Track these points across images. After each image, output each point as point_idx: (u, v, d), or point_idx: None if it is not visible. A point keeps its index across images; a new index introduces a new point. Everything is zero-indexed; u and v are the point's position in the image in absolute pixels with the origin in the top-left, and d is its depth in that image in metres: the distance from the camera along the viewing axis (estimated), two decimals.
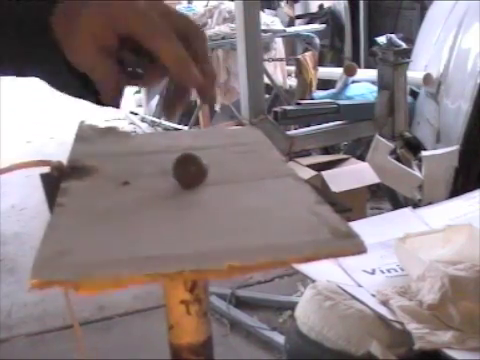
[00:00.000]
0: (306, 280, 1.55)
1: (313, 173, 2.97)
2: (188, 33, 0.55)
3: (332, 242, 0.48)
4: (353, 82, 3.68)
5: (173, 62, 0.53)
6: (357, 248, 0.48)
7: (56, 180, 0.65)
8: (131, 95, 5.89)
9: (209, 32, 4.45)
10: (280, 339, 2.18)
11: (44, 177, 0.66)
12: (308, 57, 3.84)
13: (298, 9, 5.65)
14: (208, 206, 0.56)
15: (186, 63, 0.53)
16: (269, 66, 4.19)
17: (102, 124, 0.75)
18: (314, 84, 3.82)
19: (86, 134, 0.72)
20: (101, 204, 0.56)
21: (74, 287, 0.42)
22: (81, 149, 0.68)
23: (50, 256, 0.45)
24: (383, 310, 1.29)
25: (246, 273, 0.45)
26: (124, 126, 5.48)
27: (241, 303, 2.62)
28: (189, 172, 0.59)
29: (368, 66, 4.23)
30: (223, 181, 0.61)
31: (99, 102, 0.62)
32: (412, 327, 1.22)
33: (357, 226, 1.57)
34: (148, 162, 0.66)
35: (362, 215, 2.58)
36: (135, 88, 5.72)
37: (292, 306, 1.58)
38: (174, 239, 0.49)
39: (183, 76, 0.54)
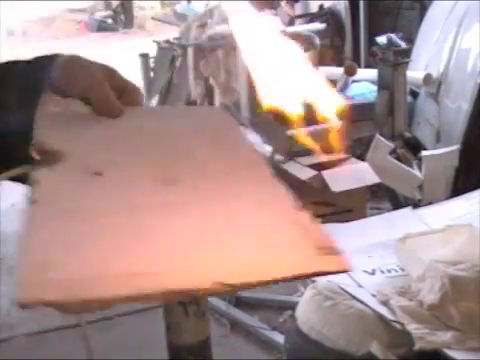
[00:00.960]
0: (306, 280, 1.55)
1: (313, 173, 2.97)
2: (124, 87, 0.78)
3: (317, 260, 0.47)
4: (353, 82, 3.68)
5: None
6: (342, 266, 0.47)
7: None
8: None
9: (209, 32, 4.45)
10: (280, 339, 2.18)
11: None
12: (308, 57, 3.83)
13: (298, 9, 5.65)
14: (187, 212, 0.53)
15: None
16: None
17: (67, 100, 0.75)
18: None
19: (49, 110, 0.71)
20: (76, 202, 0.53)
21: (62, 308, 0.42)
22: (45, 128, 0.66)
23: (34, 270, 0.44)
24: (383, 310, 1.28)
25: (231, 292, 0.45)
26: None
27: (241, 303, 2.62)
28: None
29: (368, 66, 4.23)
30: (197, 176, 0.59)
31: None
32: (412, 327, 1.22)
33: (357, 226, 1.57)
34: (118, 148, 0.65)
35: (362, 215, 2.58)
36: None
37: (292, 306, 1.58)
38: (157, 253, 0.47)
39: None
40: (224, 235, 0.50)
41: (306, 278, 0.46)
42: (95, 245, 0.48)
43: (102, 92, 0.73)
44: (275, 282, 0.45)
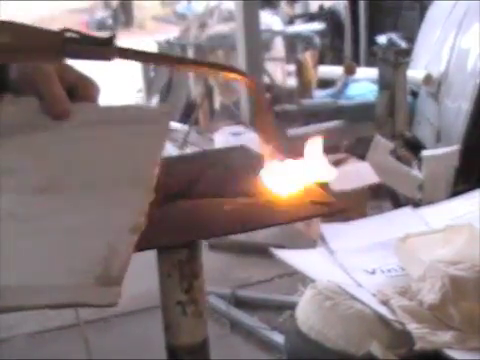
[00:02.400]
0: (306, 280, 1.54)
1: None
2: (77, 82, 0.77)
3: (90, 291, 0.48)
4: (353, 82, 3.68)
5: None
6: (109, 300, 0.48)
7: None
8: (133, 93, 5.89)
9: (209, 32, 4.46)
10: (280, 339, 2.18)
11: None
12: (308, 56, 3.84)
13: (298, 8, 5.65)
14: (30, 223, 0.56)
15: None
16: (269, 65, 4.19)
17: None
18: (314, 84, 3.82)
19: (7, 109, 0.72)
20: None
21: None
22: None
23: None
24: (383, 310, 1.28)
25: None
26: None
27: (241, 303, 2.61)
28: None
29: (368, 65, 4.23)
30: (75, 186, 0.62)
31: None
32: (412, 327, 1.22)
33: (357, 226, 1.56)
34: (25, 154, 0.66)
35: (362, 215, 2.58)
36: (137, 86, 5.72)
37: (292, 306, 1.58)
38: None
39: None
40: (26, 255, 0.52)
41: (71, 307, 0.48)
42: None
43: (50, 89, 0.72)
44: (37, 308, 0.48)
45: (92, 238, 0.55)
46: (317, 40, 4.57)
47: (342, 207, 0.62)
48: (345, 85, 3.61)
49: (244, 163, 0.75)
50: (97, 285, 0.48)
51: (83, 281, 0.49)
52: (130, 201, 0.60)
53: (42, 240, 0.54)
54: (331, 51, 4.99)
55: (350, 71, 3.55)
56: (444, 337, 1.21)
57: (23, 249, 0.53)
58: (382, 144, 2.72)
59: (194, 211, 0.63)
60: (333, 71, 4.02)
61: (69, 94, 0.75)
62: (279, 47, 4.62)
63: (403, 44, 3.18)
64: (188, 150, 4.03)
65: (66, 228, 0.56)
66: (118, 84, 6.90)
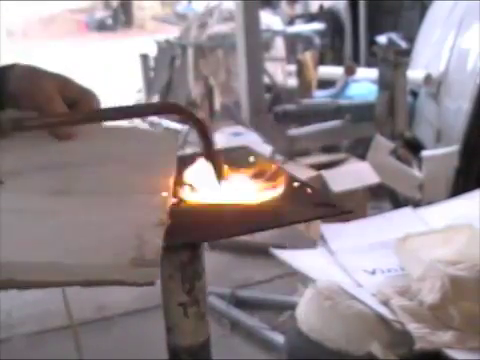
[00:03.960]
0: (306, 280, 1.54)
1: (313, 173, 2.97)
2: (78, 97, 0.77)
3: (128, 269, 0.49)
4: (353, 82, 3.68)
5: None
6: (146, 278, 0.49)
7: None
8: (133, 94, 5.88)
9: (209, 32, 4.46)
10: (280, 339, 2.18)
11: None
12: (308, 57, 3.84)
13: (298, 9, 5.65)
14: (55, 216, 0.58)
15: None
16: (269, 66, 4.19)
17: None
18: (314, 84, 3.82)
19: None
20: None
21: None
22: None
23: None
24: (383, 310, 1.28)
25: (29, 288, 0.49)
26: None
27: (241, 303, 2.61)
28: None
29: (368, 66, 4.23)
30: (90, 192, 0.63)
31: None
32: (412, 327, 1.22)
33: (357, 226, 1.57)
34: (36, 160, 0.68)
35: (362, 215, 2.58)
36: (137, 86, 5.72)
37: (292, 306, 1.58)
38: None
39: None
40: (62, 238, 0.54)
41: (108, 285, 0.49)
42: None
43: (51, 107, 0.73)
44: (74, 284, 0.49)
45: (119, 231, 0.56)
46: (317, 40, 4.57)
47: (346, 209, 0.62)
48: (345, 85, 3.61)
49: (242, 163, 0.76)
50: (133, 266, 0.49)
51: (118, 261, 0.50)
52: (150, 203, 0.62)
53: (69, 230, 0.55)
54: (331, 51, 4.99)
55: (350, 71, 3.55)
56: (444, 337, 1.21)
57: (51, 234, 0.54)
58: (382, 144, 2.72)
59: (197, 213, 0.63)
60: (333, 71, 4.02)
61: (71, 108, 0.76)
62: (279, 47, 4.62)
63: (403, 44, 3.18)
64: (188, 150, 4.03)
65: (92, 222, 0.57)
66: (118, 84, 6.90)
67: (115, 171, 0.69)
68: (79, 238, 0.54)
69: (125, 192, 0.64)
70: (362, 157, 3.14)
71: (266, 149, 3.02)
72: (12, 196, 0.60)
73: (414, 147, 3.06)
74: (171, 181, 0.67)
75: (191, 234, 0.60)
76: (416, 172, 2.83)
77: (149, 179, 0.67)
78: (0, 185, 0.62)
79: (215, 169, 0.66)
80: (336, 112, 3.21)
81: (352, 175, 3.03)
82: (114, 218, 0.59)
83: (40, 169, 0.67)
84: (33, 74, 0.76)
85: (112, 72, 7.66)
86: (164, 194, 0.64)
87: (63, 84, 0.76)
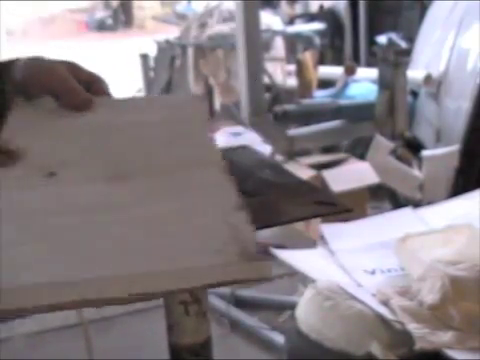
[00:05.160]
0: (306, 280, 1.54)
1: (313, 173, 2.97)
2: (90, 79, 0.77)
3: (239, 267, 0.47)
4: (353, 82, 3.68)
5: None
6: (263, 274, 0.47)
7: None
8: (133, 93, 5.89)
9: (209, 32, 4.46)
10: (280, 339, 2.18)
11: None
12: (308, 57, 3.84)
13: (298, 8, 5.65)
14: (125, 211, 0.54)
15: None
16: (269, 66, 4.19)
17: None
18: (314, 84, 3.82)
19: (20, 111, 0.71)
20: (23, 207, 0.55)
21: None
22: (13, 127, 0.67)
23: None
24: (383, 310, 1.28)
25: (147, 300, 0.45)
26: None
27: (241, 303, 2.61)
28: None
29: (368, 65, 4.23)
30: (146, 172, 0.60)
31: None
32: (412, 327, 1.22)
33: (357, 226, 1.56)
34: (78, 144, 0.65)
35: (362, 215, 2.58)
36: (137, 86, 5.72)
37: (292, 306, 1.58)
38: (79, 261, 0.47)
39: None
40: (151, 241, 0.50)
41: (226, 285, 0.47)
42: (27, 251, 0.48)
43: (67, 84, 0.72)
44: (194, 289, 0.46)
45: (200, 220, 0.52)
46: (317, 40, 4.57)
47: (348, 207, 0.61)
48: (345, 85, 3.61)
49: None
50: (244, 261, 0.47)
51: (228, 259, 0.47)
52: (211, 181, 0.58)
53: (143, 227, 0.52)
54: (331, 51, 4.99)
55: (350, 71, 3.55)
56: (444, 337, 1.21)
57: (129, 237, 0.50)
58: (382, 144, 2.72)
59: None
60: (333, 71, 4.02)
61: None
62: (279, 47, 4.62)
63: (403, 44, 3.18)
64: None
65: (162, 214, 0.53)
66: (118, 84, 6.90)
67: (157, 143, 0.65)
68: (166, 240, 0.50)
69: (180, 168, 0.60)
70: (362, 157, 3.14)
71: (266, 149, 3.02)
72: (71, 191, 0.57)
73: (414, 147, 3.07)
74: (218, 148, 0.64)
75: None
76: (416, 172, 2.83)
77: (197, 149, 0.64)
78: (53, 177, 0.59)
79: None
80: (336, 112, 3.21)
81: (352, 175, 3.03)
82: (183, 204, 0.54)
83: (82, 152, 0.64)
84: (41, 61, 0.75)
85: (112, 72, 7.66)
86: (221, 164, 0.60)
87: (72, 67, 0.75)
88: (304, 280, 1.81)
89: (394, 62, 3.00)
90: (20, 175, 0.59)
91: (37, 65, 0.74)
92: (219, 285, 0.46)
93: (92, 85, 0.75)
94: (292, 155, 3.13)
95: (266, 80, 3.93)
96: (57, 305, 0.44)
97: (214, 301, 2.54)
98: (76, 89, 0.72)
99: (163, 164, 0.61)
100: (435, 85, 3.21)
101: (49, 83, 0.72)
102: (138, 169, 0.60)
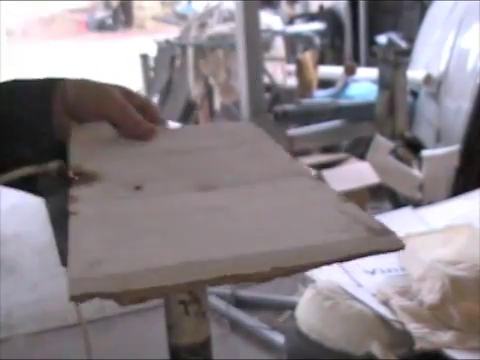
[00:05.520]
0: (306, 280, 1.55)
1: (313, 173, 2.97)
2: (144, 105, 0.75)
3: (371, 240, 0.47)
4: (353, 82, 3.68)
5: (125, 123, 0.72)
6: (395, 244, 0.47)
7: (55, 181, 0.64)
8: None
9: (209, 32, 4.46)
10: (280, 339, 2.18)
11: (42, 178, 0.65)
12: (308, 56, 3.84)
13: (298, 8, 5.65)
14: (230, 210, 0.54)
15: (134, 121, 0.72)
16: (269, 65, 4.19)
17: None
18: (314, 84, 3.82)
19: (81, 136, 0.70)
20: (118, 211, 0.54)
21: (116, 299, 0.41)
22: (80, 152, 0.66)
23: (83, 268, 0.44)
24: (383, 310, 1.28)
25: (288, 275, 0.45)
26: None
27: (241, 303, 2.61)
28: None
29: (368, 65, 4.23)
30: (237, 183, 0.59)
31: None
32: (412, 327, 1.22)
33: None
34: (154, 164, 0.64)
35: None
36: (137, 86, 5.72)
37: (292, 306, 1.58)
38: (207, 244, 0.48)
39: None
40: (273, 225, 0.50)
41: (362, 257, 0.46)
42: (141, 243, 0.48)
43: (127, 113, 0.70)
44: (333, 262, 0.46)
45: (314, 211, 0.53)
46: (317, 40, 4.57)
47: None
48: (345, 85, 3.61)
49: None
50: (374, 236, 0.47)
51: (358, 235, 0.48)
52: (307, 185, 0.58)
53: (262, 218, 0.52)
54: (331, 51, 4.99)
55: (350, 71, 3.55)
56: (444, 337, 1.21)
57: (256, 223, 0.51)
58: (382, 144, 2.72)
59: None
60: (333, 71, 4.02)
61: None
62: (279, 47, 4.62)
63: (403, 44, 3.18)
64: None
65: (273, 210, 0.53)
66: (118, 84, 6.89)
67: (234, 161, 0.64)
68: (293, 223, 0.50)
69: (268, 178, 0.60)
70: (362, 157, 3.14)
71: None
72: (163, 199, 0.56)
73: (414, 147, 3.06)
74: (302, 163, 0.64)
75: None
76: (416, 172, 2.83)
77: (280, 163, 0.64)
78: (140, 190, 0.58)
79: None
80: (336, 112, 3.21)
81: (352, 175, 3.03)
82: (296, 202, 0.54)
83: (161, 170, 0.62)
84: (93, 83, 0.72)
85: (112, 72, 7.66)
86: (312, 174, 0.60)
87: (127, 93, 0.73)
88: (304, 280, 1.81)
89: (394, 62, 3.00)
90: (105, 189, 0.58)
91: (91, 87, 0.72)
92: (357, 257, 0.47)
93: (146, 112, 0.73)
94: (292, 155, 3.13)
95: (266, 80, 3.93)
96: (209, 280, 0.43)
97: (214, 301, 2.54)
98: (138, 119, 0.70)
99: (250, 177, 0.61)
100: (435, 85, 3.21)
101: (107, 110, 0.70)
102: (225, 182, 0.59)
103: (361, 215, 0.51)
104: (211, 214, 0.53)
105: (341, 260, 0.46)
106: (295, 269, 0.45)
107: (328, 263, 0.46)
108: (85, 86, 0.72)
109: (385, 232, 0.48)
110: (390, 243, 0.47)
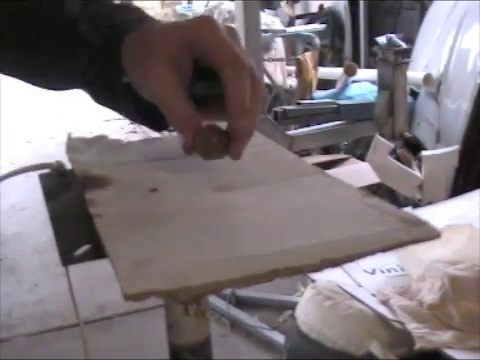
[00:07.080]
0: (306, 280, 1.55)
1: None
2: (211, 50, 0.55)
3: (409, 230, 0.48)
4: (353, 82, 3.68)
5: (236, 102, 0.54)
6: (432, 234, 0.48)
7: (55, 181, 0.64)
8: None
9: None
10: (280, 339, 2.18)
11: (43, 178, 0.65)
12: (308, 57, 3.84)
13: (298, 9, 5.65)
14: (258, 207, 0.53)
15: (248, 110, 0.55)
16: (269, 66, 4.19)
17: (90, 135, 0.72)
18: (314, 84, 3.82)
19: (77, 145, 0.69)
20: (143, 211, 0.54)
21: (171, 296, 0.41)
22: (81, 160, 0.66)
23: (132, 267, 0.44)
24: (383, 310, 1.28)
25: (336, 266, 0.46)
26: (124, 127, 5.48)
27: (241, 303, 2.61)
28: (211, 142, 0.57)
29: (368, 66, 4.24)
30: (252, 183, 0.58)
31: (159, 128, 0.64)
32: (412, 327, 1.22)
33: None
34: (163, 169, 0.64)
35: None
36: None
37: (292, 306, 1.58)
38: (249, 239, 0.47)
39: (239, 122, 0.55)
40: (309, 219, 0.51)
41: (399, 247, 0.47)
42: (183, 241, 0.48)
43: (172, 114, 0.55)
44: (376, 252, 0.47)
45: (341, 206, 0.53)
46: (317, 40, 4.57)
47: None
48: (345, 85, 3.61)
49: None
50: (410, 226, 0.48)
51: (394, 226, 0.48)
52: (325, 182, 0.58)
53: (293, 215, 0.52)
54: (331, 51, 4.99)
55: (350, 72, 3.55)
56: (444, 337, 1.21)
57: (290, 219, 0.51)
58: (382, 144, 2.72)
59: None
60: (333, 71, 4.02)
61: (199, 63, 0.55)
62: (279, 47, 4.62)
63: (403, 44, 3.18)
64: None
65: (298, 207, 0.53)
66: None
67: (247, 164, 0.63)
68: (327, 218, 0.50)
69: (284, 178, 0.59)
70: (362, 157, 3.14)
71: None
72: (182, 199, 0.55)
73: (414, 147, 3.06)
74: (311, 163, 0.64)
75: None
76: (416, 172, 2.82)
77: (290, 164, 0.64)
78: (155, 192, 0.57)
79: None
80: (336, 112, 3.21)
81: (352, 175, 3.03)
82: (319, 199, 0.54)
83: (174, 174, 0.62)
84: (144, 48, 0.55)
85: None
86: (325, 173, 0.60)
87: (189, 39, 0.54)
88: (304, 280, 1.81)
89: (394, 62, 3.00)
90: (122, 193, 0.57)
91: (139, 55, 0.56)
92: (398, 246, 0.47)
93: (223, 71, 0.55)
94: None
95: (266, 80, 3.93)
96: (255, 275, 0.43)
97: (214, 301, 2.54)
98: (236, 51, 0.54)
99: (263, 177, 0.61)
100: (435, 85, 3.20)
101: (152, 92, 0.56)
102: (240, 182, 0.59)
103: (390, 208, 0.51)
104: (240, 211, 0.53)
105: (384, 250, 0.46)
106: (343, 260, 0.46)
107: (373, 253, 0.46)
108: (138, 46, 0.57)
109: (420, 222, 0.49)
110: (428, 232, 0.48)
